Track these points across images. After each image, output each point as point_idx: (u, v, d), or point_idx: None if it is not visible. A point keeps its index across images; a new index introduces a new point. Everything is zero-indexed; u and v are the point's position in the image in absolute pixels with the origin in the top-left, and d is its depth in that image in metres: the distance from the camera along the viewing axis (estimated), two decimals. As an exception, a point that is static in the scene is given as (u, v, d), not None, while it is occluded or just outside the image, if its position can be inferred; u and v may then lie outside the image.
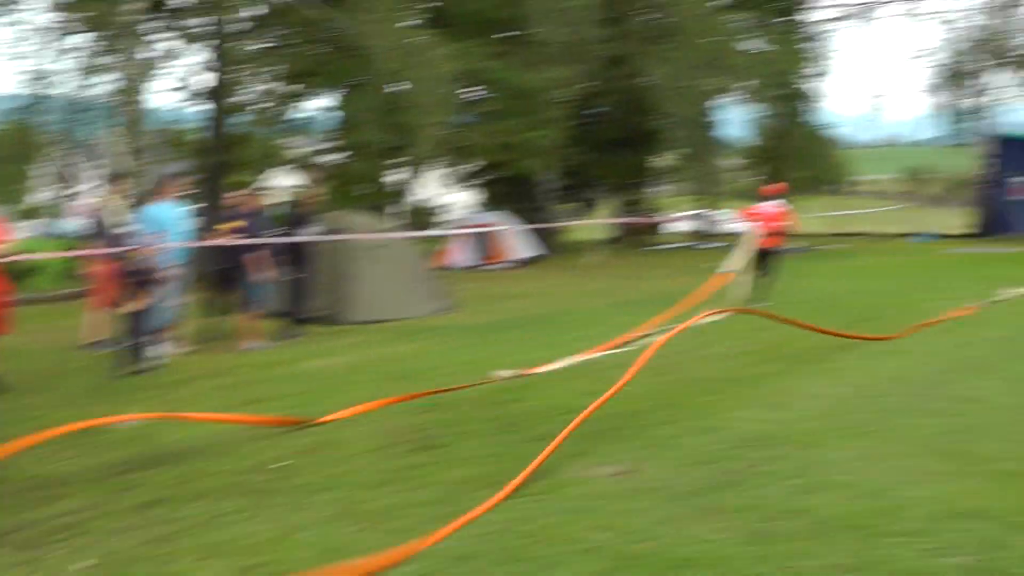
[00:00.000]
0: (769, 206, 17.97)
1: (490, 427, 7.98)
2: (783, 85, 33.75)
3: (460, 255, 26.88)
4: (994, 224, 37.98)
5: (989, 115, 40.23)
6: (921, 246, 34.43)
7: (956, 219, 43.06)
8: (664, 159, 39.06)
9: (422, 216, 33.47)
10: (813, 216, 34.49)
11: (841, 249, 31.45)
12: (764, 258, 17.41)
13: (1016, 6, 39.75)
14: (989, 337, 12.55)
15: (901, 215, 46.07)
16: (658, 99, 29.37)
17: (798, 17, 37.50)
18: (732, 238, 37.86)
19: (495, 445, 7.42)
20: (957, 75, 40.93)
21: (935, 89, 41.55)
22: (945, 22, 41.36)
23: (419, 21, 26.20)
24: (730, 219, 46.34)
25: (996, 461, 6.77)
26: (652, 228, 39.00)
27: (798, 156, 37.47)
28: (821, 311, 14.40)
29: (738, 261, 17.40)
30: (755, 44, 34.32)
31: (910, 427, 7.78)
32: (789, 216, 18.17)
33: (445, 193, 38.66)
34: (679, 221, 42.22)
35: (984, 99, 40.44)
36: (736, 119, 38.65)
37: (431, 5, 27.87)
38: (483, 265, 26.67)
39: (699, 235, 38.77)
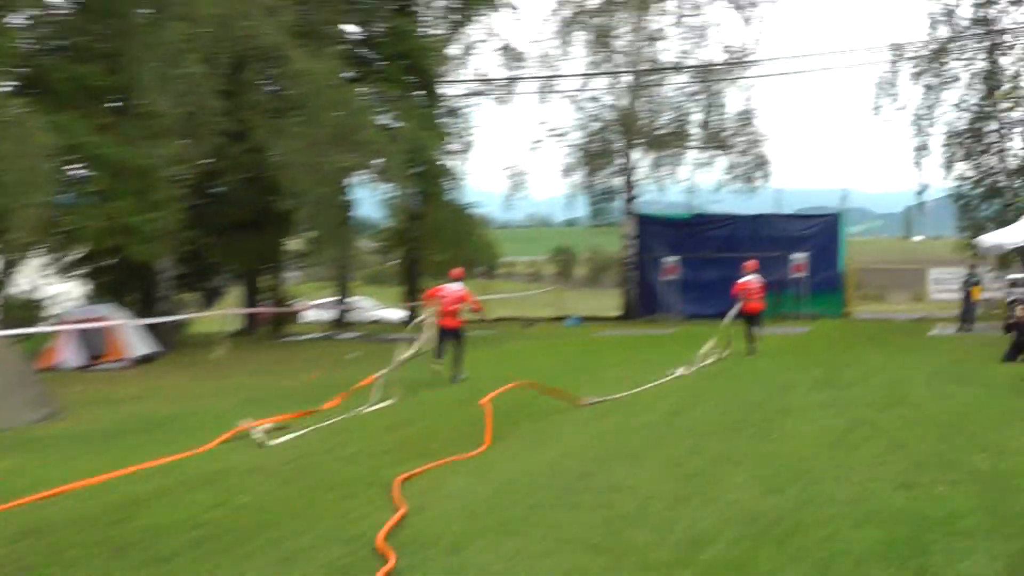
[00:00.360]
0: (453, 288, 19.85)
1: (101, 551, 7.57)
2: (421, 162, 34.54)
3: (68, 354, 25.69)
4: (645, 306, 40.32)
5: (630, 195, 42.90)
6: (574, 330, 36.09)
7: (608, 301, 45.38)
8: (296, 242, 39.07)
9: (21, 310, 31.84)
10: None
11: (492, 335, 32.41)
12: (450, 339, 19.52)
13: (647, 87, 42.80)
14: (640, 423, 13.32)
15: (553, 298, 48.06)
16: (286, 177, 29.39)
17: (436, 91, 38.61)
18: (373, 327, 38.48)
19: (106, 572, 7.08)
20: (594, 155, 43.45)
21: (572, 169, 43.97)
22: (579, 102, 43.60)
23: (9, 88, 25.10)
24: (371, 306, 46.99)
25: (647, 551, 7.14)
26: (287, 318, 38.81)
27: (441, 237, 38.36)
28: (472, 401, 14.73)
29: (422, 344, 18.75)
30: (389, 119, 35.01)
31: (561, 522, 8.07)
32: (471, 298, 20.26)
33: (48, 284, 36.96)
34: (316, 309, 42.29)
35: (623, 179, 43.10)
36: (372, 198, 39.29)
37: (22, 70, 26.73)
38: (95, 365, 25.59)
39: (338, 324, 38.92)
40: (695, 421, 13.31)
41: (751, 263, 24.61)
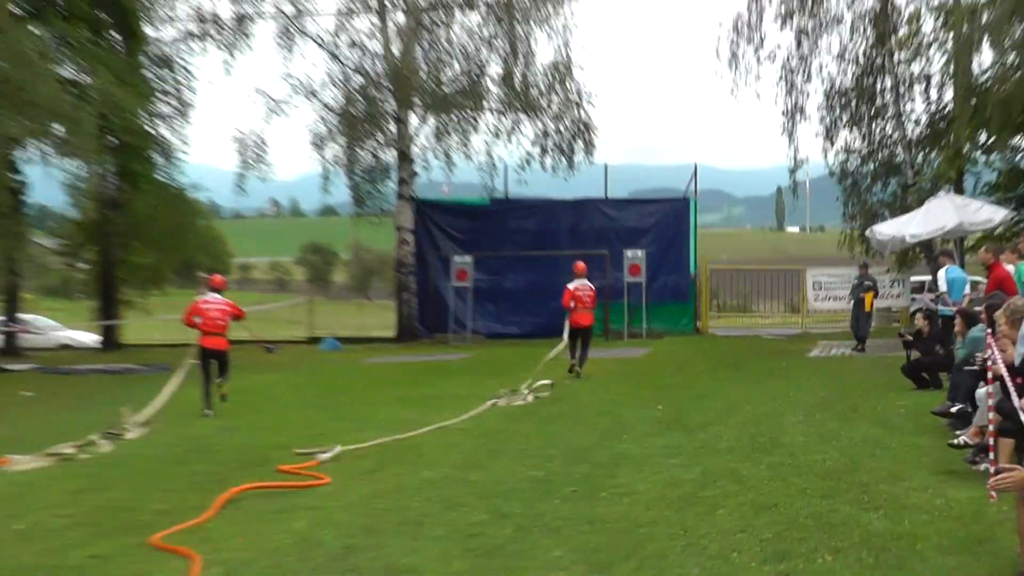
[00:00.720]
0: (218, 300, 21.10)
1: None
2: (120, 130, 33.85)
3: None
4: (428, 323, 40.12)
5: (407, 174, 42.37)
6: (334, 356, 35.80)
7: (378, 316, 45.23)
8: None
9: None
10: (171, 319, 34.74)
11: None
12: (210, 361, 20.87)
13: (428, 30, 42.29)
14: (423, 480, 13.21)
15: (305, 313, 47.57)
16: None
17: (140, 34, 37.83)
18: (56, 355, 37.62)
19: None
20: (357, 121, 42.66)
21: (328, 139, 43.27)
22: (336, 50, 42.72)
23: None
24: (53, 327, 45.98)
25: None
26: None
27: (149, 232, 37.75)
28: (184, 458, 14.49)
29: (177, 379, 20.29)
30: (75, 71, 34.16)
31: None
32: (238, 311, 21.55)
33: None
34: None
35: (396, 153, 42.53)
36: (52, 180, 38.35)
37: None
38: None
39: (7, 351, 37.99)
40: (497, 476, 13.26)
41: (581, 264, 24.96)
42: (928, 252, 33.31)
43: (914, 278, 35.93)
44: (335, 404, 22.47)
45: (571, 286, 24.53)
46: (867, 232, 32.98)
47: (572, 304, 24.31)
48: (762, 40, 39.87)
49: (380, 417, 19.39)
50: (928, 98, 39.25)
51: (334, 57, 42.88)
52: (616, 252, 37.27)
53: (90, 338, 43.28)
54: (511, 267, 39.07)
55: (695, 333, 38.13)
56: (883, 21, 38.92)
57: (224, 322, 21.06)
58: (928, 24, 38.14)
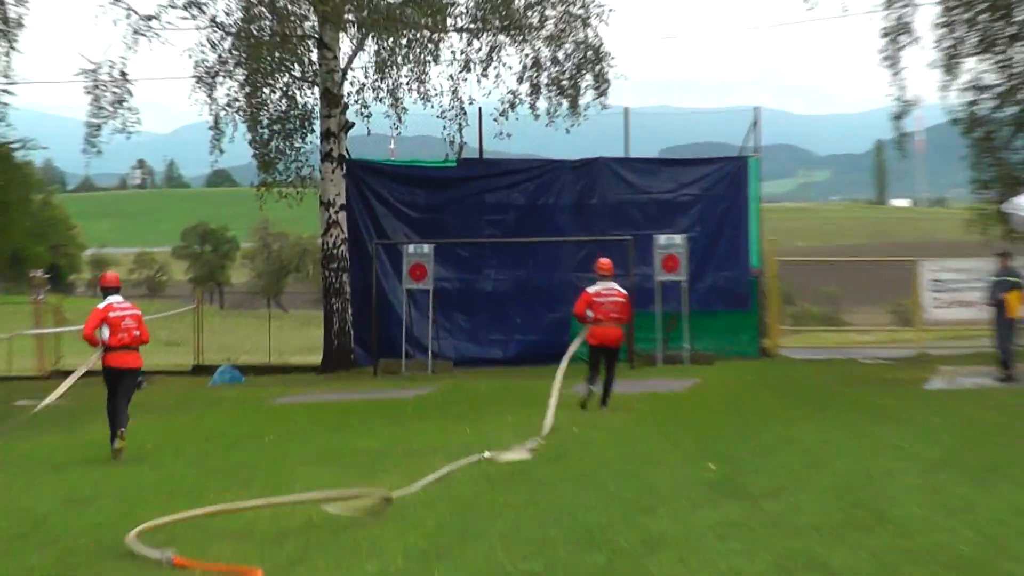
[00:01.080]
0: (123, 304, 22.09)
1: None
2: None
3: None
4: (368, 344, 39.57)
5: (335, 124, 41.69)
6: (230, 391, 35.60)
7: (298, 335, 45.23)
8: None
9: None
10: None
11: (65, 406, 31.54)
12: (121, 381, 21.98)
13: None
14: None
15: (191, 329, 47.25)
16: None
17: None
18: None
19: None
20: (263, 45, 41.83)
21: (221, 73, 42.65)
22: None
23: None
24: None
25: None
26: None
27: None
28: (14, 545, 14.43)
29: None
30: None
31: None
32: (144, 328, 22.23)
33: None
34: None
35: (319, 91, 41.95)
36: None
37: None
38: None
39: None
40: (474, 570, 13.03)
41: (606, 262, 24.90)
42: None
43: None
44: (234, 464, 22.33)
45: (591, 290, 24.46)
46: (1004, 206, 32.16)
47: (590, 314, 24.23)
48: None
49: (299, 482, 19.25)
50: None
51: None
52: (643, 237, 36.95)
53: None
54: (489, 260, 38.88)
55: (760, 356, 38.01)
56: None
57: (140, 332, 21.72)
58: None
